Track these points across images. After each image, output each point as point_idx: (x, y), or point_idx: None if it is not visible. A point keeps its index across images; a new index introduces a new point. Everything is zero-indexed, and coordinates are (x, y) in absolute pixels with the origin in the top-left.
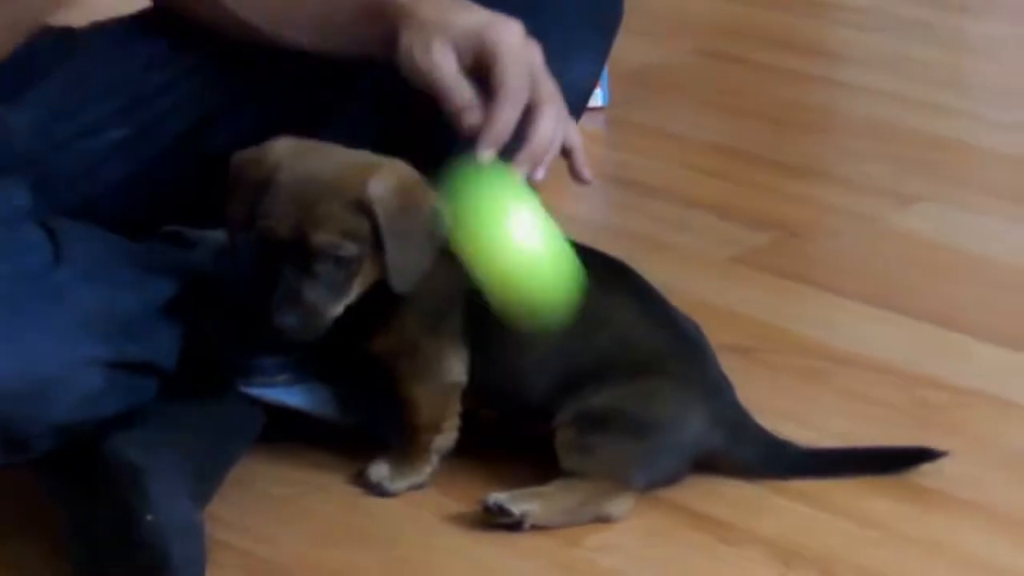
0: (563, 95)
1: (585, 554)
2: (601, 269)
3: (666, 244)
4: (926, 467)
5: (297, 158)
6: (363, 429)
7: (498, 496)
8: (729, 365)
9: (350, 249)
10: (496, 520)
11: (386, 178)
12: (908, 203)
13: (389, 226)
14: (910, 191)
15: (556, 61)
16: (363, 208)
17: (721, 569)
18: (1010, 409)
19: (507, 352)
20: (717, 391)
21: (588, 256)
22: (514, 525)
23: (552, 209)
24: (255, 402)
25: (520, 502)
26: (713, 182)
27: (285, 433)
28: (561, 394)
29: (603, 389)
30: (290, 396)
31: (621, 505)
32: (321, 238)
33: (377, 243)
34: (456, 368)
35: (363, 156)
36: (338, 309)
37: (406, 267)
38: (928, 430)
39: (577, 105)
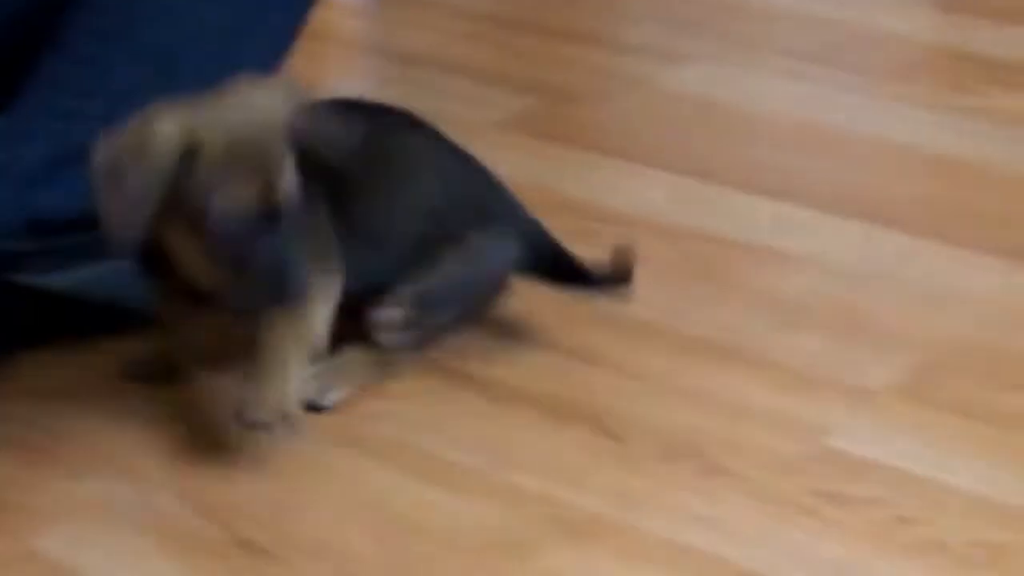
0: None
1: (359, 423)
2: (421, 127)
3: (434, 112)
4: (696, 318)
5: (200, 122)
6: (132, 309)
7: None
8: None
9: (299, 184)
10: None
11: (281, 92)
12: (677, 63)
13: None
14: (680, 51)
15: None
16: (295, 135)
17: (495, 429)
18: (780, 259)
19: (369, 234)
20: (533, 227)
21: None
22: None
23: (315, 81)
24: (23, 295)
25: (326, 391)
26: (480, 49)
27: (59, 327)
28: (407, 265)
29: (444, 256)
30: (59, 279)
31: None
32: (286, 186)
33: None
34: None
35: (234, 89)
36: None
37: None
38: (698, 281)
39: None
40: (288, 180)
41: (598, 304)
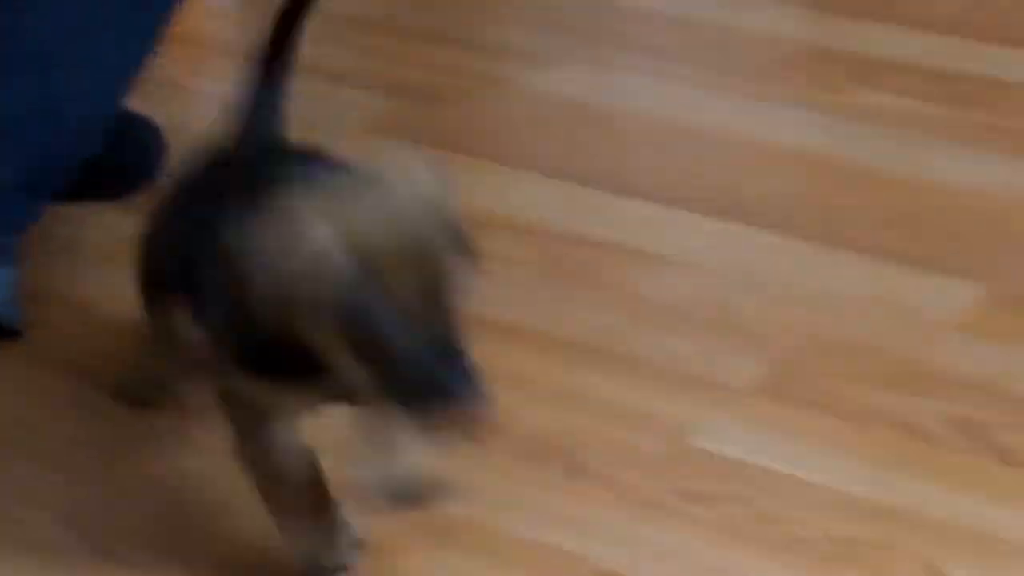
0: None
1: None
2: None
3: (296, 116)
4: (563, 320)
5: (354, 221)
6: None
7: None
8: None
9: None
10: None
11: (427, 176)
12: (544, 63)
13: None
14: (546, 52)
15: None
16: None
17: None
18: (651, 260)
19: None
20: None
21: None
22: None
23: (182, 84)
24: None
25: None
26: (342, 51)
27: None
28: None
29: None
30: None
31: None
32: (455, 286)
33: None
34: None
35: (374, 174)
36: None
37: None
38: (569, 285)
39: None
40: (455, 276)
41: (466, 308)
